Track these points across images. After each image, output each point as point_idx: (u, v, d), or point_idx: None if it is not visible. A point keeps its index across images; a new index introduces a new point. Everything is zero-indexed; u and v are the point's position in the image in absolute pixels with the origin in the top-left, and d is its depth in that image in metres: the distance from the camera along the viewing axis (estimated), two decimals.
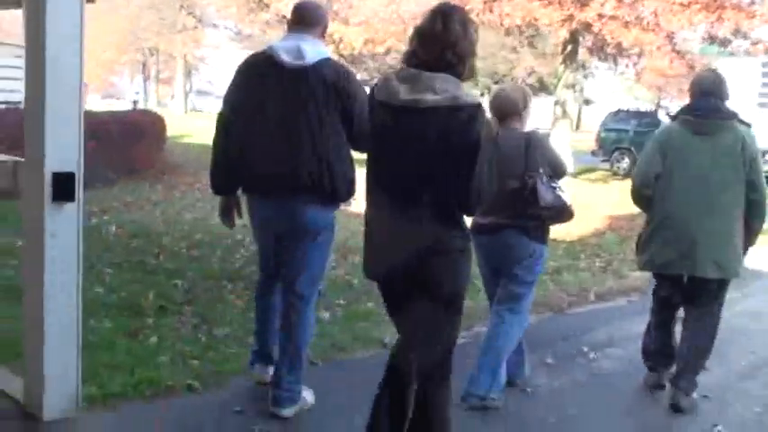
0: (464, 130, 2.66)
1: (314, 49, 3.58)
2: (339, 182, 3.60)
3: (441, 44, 2.72)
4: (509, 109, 4.06)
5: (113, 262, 6.56)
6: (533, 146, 3.99)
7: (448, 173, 2.70)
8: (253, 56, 3.82)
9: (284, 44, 3.61)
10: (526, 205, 3.91)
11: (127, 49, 42.86)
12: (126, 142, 13.12)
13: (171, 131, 18.67)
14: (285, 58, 3.54)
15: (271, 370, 3.90)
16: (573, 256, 8.50)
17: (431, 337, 2.88)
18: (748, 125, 4.23)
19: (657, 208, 4.27)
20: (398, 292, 2.92)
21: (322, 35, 3.77)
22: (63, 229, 3.17)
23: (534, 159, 3.96)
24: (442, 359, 2.92)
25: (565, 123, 18.67)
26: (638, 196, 4.39)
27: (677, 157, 4.18)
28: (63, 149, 3.10)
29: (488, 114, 3.28)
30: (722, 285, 4.27)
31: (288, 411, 3.72)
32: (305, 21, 3.67)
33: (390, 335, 5.04)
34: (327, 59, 3.62)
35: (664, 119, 18.05)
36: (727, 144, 4.12)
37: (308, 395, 3.88)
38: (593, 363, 4.95)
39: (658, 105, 18.16)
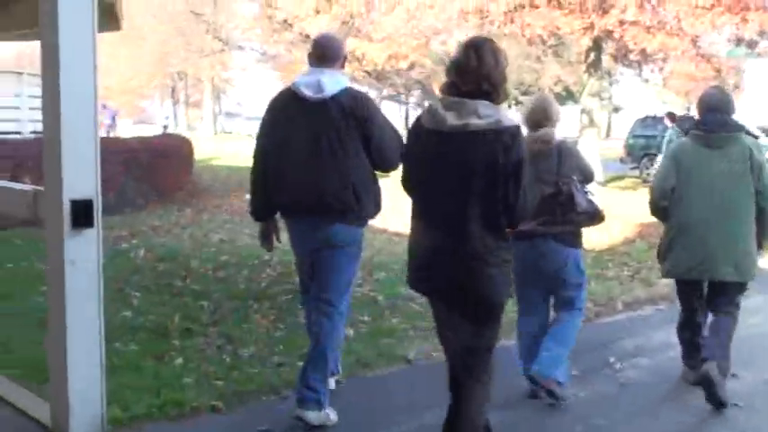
0: (508, 150, 2.95)
1: (332, 81, 3.90)
2: (364, 201, 3.90)
3: (476, 76, 3.02)
4: (541, 118, 4.27)
5: (141, 285, 6.65)
6: (565, 154, 4.23)
7: (495, 189, 2.97)
8: (279, 92, 4.19)
9: (306, 79, 3.96)
10: (563, 211, 4.13)
11: (155, 75, 43.46)
12: (154, 167, 13.29)
13: (200, 154, 18.88)
14: (307, 92, 3.88)
15: (330, 380, 4.10)
16: (601, 265, 8.41)
17: (473, 342, 3.15)
18: (755, 137, 4.50)
19: (674, 218, 4.55)
20: (446, 301, 3.18)
21: (342, 66, 4.10)
22: (83, 255, 3.22)
23: (566, 166, 4.21)
24: (482, 362, 3.18)
25: (592, 132, 18.53)
26: (656, 208, 4.69)
27: (690, 170, 4.46)
28: (80, 177, 3.15)
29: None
30: (740, 288, 4.53)
31: (312, 415, 3.79)
32: (325, 57, 4.00)
33: (414, 351, 5.06)
34: (345, 89, 3.92)
35: (668, 124, 17.80)
36: (735, 155, 4.40)
37: (331, 413, 3.91)
38: (619, 373, 4.88)
39: (667, 114, 17.92)
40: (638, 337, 5.67)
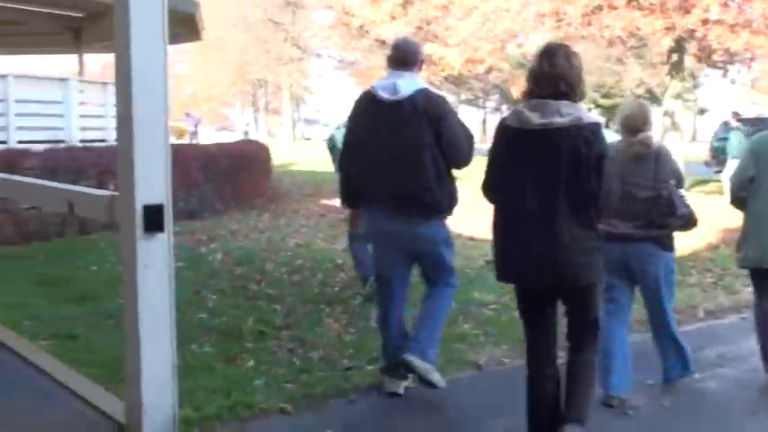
0: (590, 144, 3.17)
1: (408, 83, 4.14)
2: (439, 196, 4.12)
3: (552, 79, 3.24)
4: (639, 124, 4.30)
5: (218, 288, 6.78)
6: (663, 158, 4.26)
7: (579, 181, 3.18)
8: (360, 95, 4.50)
9: (383, 83, 4.23)
10: (661, 215, 4.18)
11: (236, 83, 44.40)
12: (233, 172, 13.55)
13: (279, 160, 19.19)
14: (383, 94, 4.15)
15: (399, 383, 4.31)
16: (683, 271, 8.13)
17: (581, 318, 3.46)
18: None
19: (750, 208, 4.62)
20: (541, 289, 3.40)
21: (420, 69, 4.35)
22: (155, 259, 3.30)
23: (664, 171, 4.25)
24: (591, 332, 3.49)
25: (675, 135, 17.99)
26: (735, 198, 4.79)
27: (767, 161, 4.51)
28: (152, 183, 3.24)
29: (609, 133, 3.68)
30: None
31: (416, 359, 4.12)
32: (404, 60, 4.25)
33: (486, 357, 5.00)
34: (421, 90, 4.14)
35: (733, 124, 17.22)
36: None
37: (439, 377, 4.24)
38: (699, 383, 4.71)
39: (732, 113, 17.41)
40: (719, 346, 5.47)
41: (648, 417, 4.18)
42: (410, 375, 4.40)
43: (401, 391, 4.30)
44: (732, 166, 14.59)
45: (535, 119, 3.22)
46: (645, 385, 4.59)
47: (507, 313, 5.88)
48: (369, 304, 6.04)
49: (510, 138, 3.33)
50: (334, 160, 6.92)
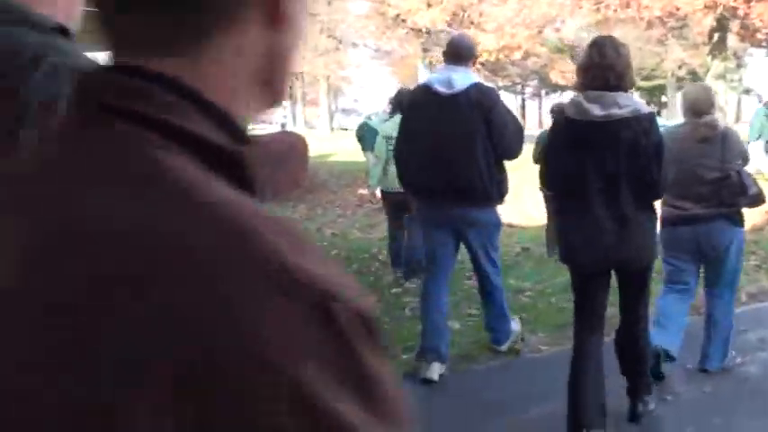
0: (648, 133, 3.31)
1: (462, 78, 4.31)
2: (489, 185, 4.31)
3: (601, 70, 3.35)
4: (704, 107, 4.34)
5: None
6: (730, 140, 4.31)
7: (640, 170, 3.30)
8: (415, 88, 4.83)
9: (438, 77, 4.48)
10: (732, 195, 4.25)
11: None
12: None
13: (316, 151, 19.25)
14: (439, 88, 4.34)
15: (434, 367, 4.38)
16: None
17: (637, 295, 3.62)
18: None
19: None
20: (604, 269, 3.53)
21: (473, 64, 4.61)
22: None
23: (732, 152, 4.30)
24: (644, 305, 3.68)
25: (718, 116, 17.64)
26: None
27: None
28: None
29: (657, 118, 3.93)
30: None
31: (503, 346, 4.84)
32: (459, 56, 4.43)
33: (521, 344, 4.98)
34: (475, 84, 4.33)
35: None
36: None
37: (514, 324, 4.95)
38: (740, 368, 4.64)
39: (758, 96, 17.08)
40: (762, 331, 5.36)
41: (688, 402, 4.13)
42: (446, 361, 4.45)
43: (436, 377, 4.32)
44: (754, 147, 14.34)
45: (596, 110, 3.32)
46: (685, 369, 4.54)
47: (543, 300, 5.85)
48: (404, 294, 6.07)
49: (569, 129, 3.45)
50: (364, 149, 6.98)
